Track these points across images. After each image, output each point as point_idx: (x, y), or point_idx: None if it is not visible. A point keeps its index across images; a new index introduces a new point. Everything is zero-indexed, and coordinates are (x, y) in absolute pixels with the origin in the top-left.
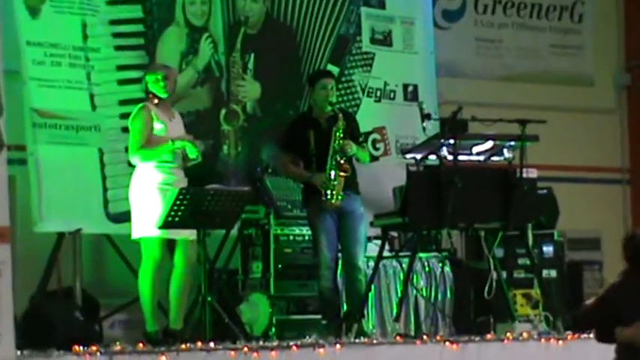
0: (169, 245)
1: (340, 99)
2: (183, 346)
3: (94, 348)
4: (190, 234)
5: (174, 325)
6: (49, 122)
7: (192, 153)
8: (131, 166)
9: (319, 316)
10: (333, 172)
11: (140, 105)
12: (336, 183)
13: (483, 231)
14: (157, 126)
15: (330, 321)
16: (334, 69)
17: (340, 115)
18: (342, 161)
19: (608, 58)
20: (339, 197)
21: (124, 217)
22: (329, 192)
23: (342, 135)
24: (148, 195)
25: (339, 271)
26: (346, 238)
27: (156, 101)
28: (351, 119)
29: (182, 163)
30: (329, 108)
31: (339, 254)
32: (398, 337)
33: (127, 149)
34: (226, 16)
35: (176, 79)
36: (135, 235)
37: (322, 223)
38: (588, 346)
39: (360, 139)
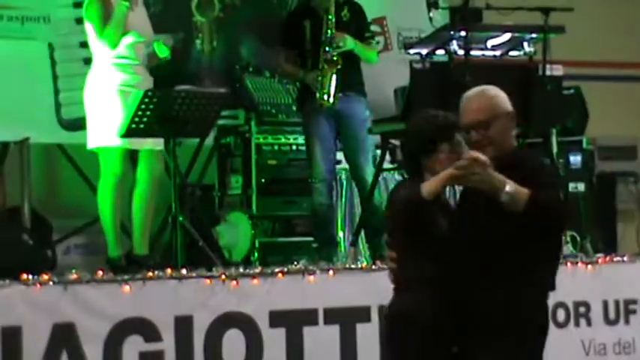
0: (132, 157)
1: None
2: (150, 273)
3: (45, 276)
4: (155, 144)
5: (139, 249)
6: None
7: (163, 51)
8: (88, 63)
9: (309, 238)
10: (323, 68)
11: None
12: (325, 80)
13: None
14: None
15: (323, 243)
16: None
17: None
18: (330, 54)
19: None
20: (332, 97)
21: (80, 123)
22: (321, 91)
23: (333, 23)
24: (107, 98)
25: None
26: (347, 148)
27: None
28: (356, 10)
29: (147, 62)
30: None
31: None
32: None
33: (82, 44)
34: None
35: None
36: (91, 145)
37: (316, 127)
38: (621, 270)
39: (367, 35)
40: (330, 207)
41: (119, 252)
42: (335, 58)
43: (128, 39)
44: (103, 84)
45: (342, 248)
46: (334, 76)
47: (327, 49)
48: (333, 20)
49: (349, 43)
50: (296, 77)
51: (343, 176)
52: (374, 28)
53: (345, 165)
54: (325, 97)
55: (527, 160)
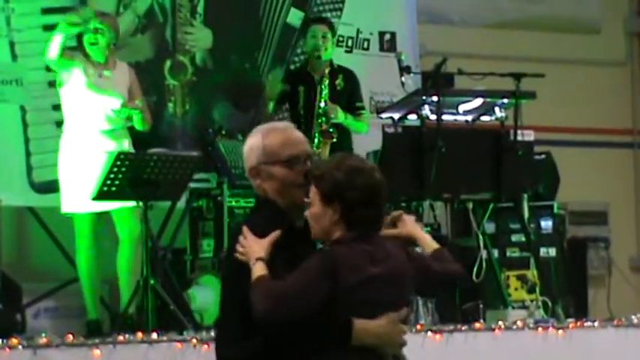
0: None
1: (305, 48)
2: (120, 337)
3: (14, 340)
4: (125, 203)
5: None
6: None
7: (140, 125)
8: (60, 126)
9: None
10: (316, 139)
11: None
12: (319, 151)
13: (471, 203)
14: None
15: None
16: (298, 13)
17: (340, 71)
18: (325, 127)
19: (616, 1)
20: None
21: (51, 186)
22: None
23: (327, 95)
24: (80, 163)
25: None
26: None
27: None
28: (350, 78)
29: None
30: (320, 61)
31: None
32: None
33: (54, 107)
34: None
35: (117, 29)
36: (63, 210)
37: None
38: (592, 336)
39: (358, 104)
40: None
41: (96, 315)
42: (331, 130)
43: (107, 110)
44: (77, 149)
45: None
46: (328, 148)
47: (322, 121)
48: (327, 91)
49: (340, 116)
50: None
51: None
52: None
53: None
54: None
55: None
